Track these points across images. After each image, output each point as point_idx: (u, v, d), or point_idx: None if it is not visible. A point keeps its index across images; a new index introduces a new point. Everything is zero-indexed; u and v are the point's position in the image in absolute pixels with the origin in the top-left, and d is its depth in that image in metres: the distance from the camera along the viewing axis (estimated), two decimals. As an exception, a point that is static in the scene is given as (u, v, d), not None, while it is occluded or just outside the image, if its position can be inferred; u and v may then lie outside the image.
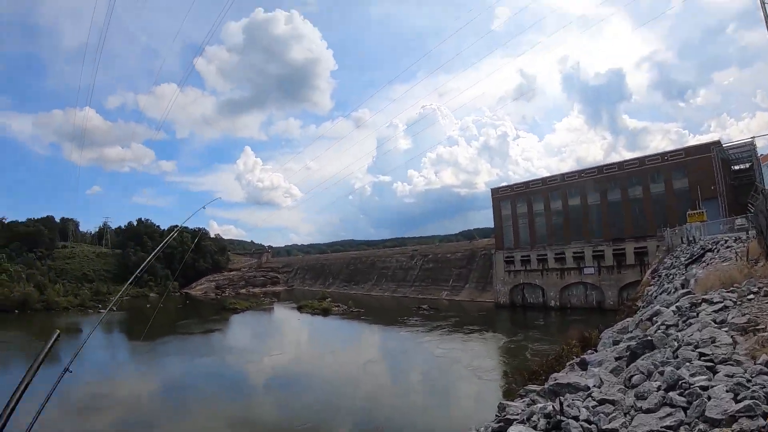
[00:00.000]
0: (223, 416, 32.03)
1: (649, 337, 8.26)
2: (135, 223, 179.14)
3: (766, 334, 6.85)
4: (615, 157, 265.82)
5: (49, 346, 3.66)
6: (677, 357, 6.69)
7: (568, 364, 13.13)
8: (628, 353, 8.17)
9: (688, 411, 5.25)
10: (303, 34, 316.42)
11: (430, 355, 49.42)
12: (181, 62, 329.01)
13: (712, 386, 5.43)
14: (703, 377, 5.77)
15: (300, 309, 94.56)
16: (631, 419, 5.62)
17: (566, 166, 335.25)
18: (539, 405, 6.84)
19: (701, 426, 4.89)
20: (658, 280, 29.72)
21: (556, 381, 8.13)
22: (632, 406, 5.91)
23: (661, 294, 20.20)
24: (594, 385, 7.14)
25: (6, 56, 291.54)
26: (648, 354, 7.54)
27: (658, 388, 5.89)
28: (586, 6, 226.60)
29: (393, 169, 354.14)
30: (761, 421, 4.60)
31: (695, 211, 53.75)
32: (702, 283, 13.01)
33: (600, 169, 78.99)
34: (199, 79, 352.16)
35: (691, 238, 38.36)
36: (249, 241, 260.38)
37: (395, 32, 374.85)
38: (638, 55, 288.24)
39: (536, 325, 63.91)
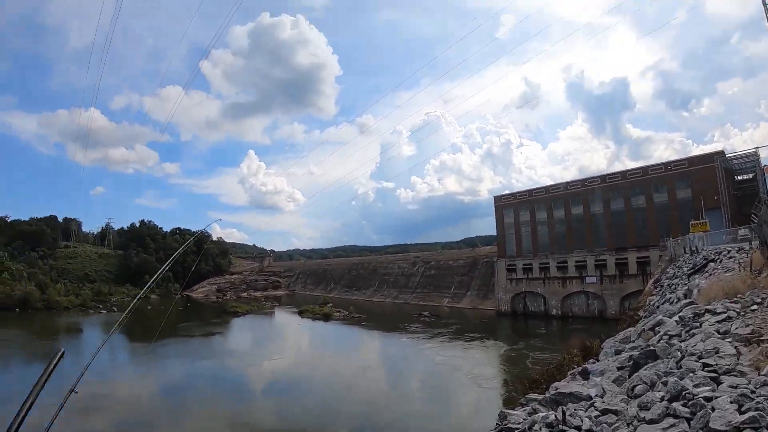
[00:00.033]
0: (223, 419, 31.97)
1: (651, 347, 8.21)
2: (138, 225, 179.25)
3: (770, 345, 6.80)
4: (618, 167, 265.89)
5: (53, 366, 3.60)
6: (681, 367, 6.64)
7: (569, 373, 13.07)
8: (630, 363, 8.12)
9: (691, 422, 5.21)
10: (309, 39, 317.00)
11: (431, 362, 49.30)
12: (187, 65, 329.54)
13: (716, 397, 5.39)
14: (707, 388, 5.72)
15: (301, 314, 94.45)
16: (635, 429, 5.58)
17: (569, 174, 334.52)
18: (541, 414, 6.79)
19: (705, 437, 4.85)
20: (660, 290, 29.64)
21: (558, 390, 8.09)
22: (635, 417, 5.86)
23: (663, 304, 20.13)
24: (596, 395, 7.10)
25: (12, 55, 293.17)
26: (651, 364, 7.49)
27: (662, 399, 5.85)
28: (591, 15, 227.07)
29: (396, 176, 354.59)
30: (766, 433, 4.56)
31: (698, 221, 53.60)
32: (705, 293, 12.94)
33: (603, 178, 78.92)
34: (204, 82, 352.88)
35: (693, 248, 38.25)
36: (251, 244, 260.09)
37: (401, 39, 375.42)
38: (643, 65, 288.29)
39: (537, 333, 63.70)
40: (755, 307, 9.45)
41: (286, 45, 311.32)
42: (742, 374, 6.04)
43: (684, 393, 5.67)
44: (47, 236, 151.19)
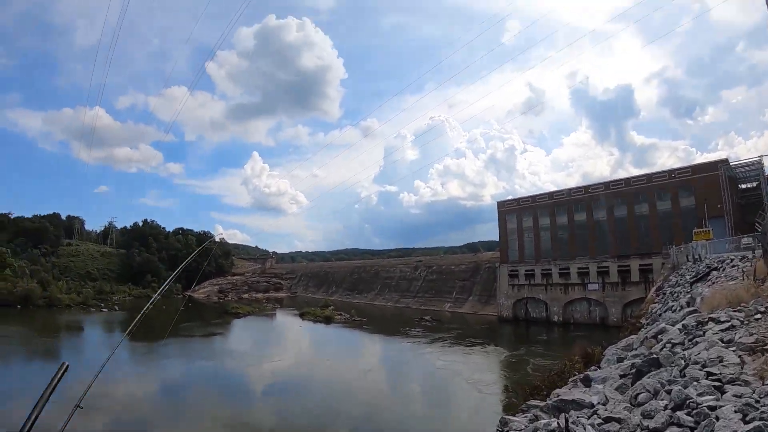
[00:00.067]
0: (223, 419, 31.96)
1: (654, 355, 8.15)
2: (140, 224, 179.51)
3: (774, 354, 6.75)
4: (622, 174, 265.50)
5: (57, 379, 3.55)
6: (684, 376, 6.59)
7: (570, 380, 12.99)
8: (633, 371, 8.06)
9: (695, 431, 5.15)
10: (314, 41, 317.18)
11: (431, 367, 49.25)
12: (192, 65, 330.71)
13: (721, 406, 5.35)
14: (711, 397, 5.67)
15: (302, 316, 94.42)
16: (638, 438, 5.53)
17: (573, 181, 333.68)
18: (543, 421, 6.74)
19: (709, 446, 4.81)
20: (662, 298, 29.55)
21: (560, 397, 8.02)
22: (639, 425, 5.81)
23: (665, 312, 20.06)
24: (599, 402, 7.03)
25: (19, 53, 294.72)
26: (654, 372, 7.43)
27: (665, 407, 5.80)
28: (596, 21, 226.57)
29: (400, 180, 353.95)
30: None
31: (701, 229, 53.40)
32: (708, 301, 12.88)
33: (607, 185, 78.94)
34: (209, 82, 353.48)
35: (696, 257, 38.14)
36: (253, 246, 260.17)
37: (406, 43, 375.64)
38: (647, 72, 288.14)
39: (539, 339, 63.63)
40: (759, 316, 9.39)
41: (292, 47, 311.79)
42: (747, 383, 5.99)
43: (688, 402, 5.62)
44: (50, 234, 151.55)
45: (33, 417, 3.26)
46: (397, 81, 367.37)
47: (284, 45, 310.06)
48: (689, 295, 18.70)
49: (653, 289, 45.24)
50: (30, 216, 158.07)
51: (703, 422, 5.15)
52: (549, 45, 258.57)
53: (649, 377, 7.21)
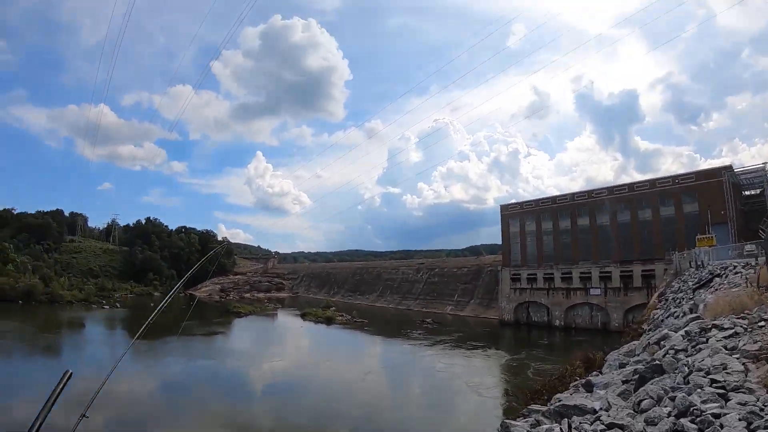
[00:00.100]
0: (223, 418, 31.94)
1: (657, 362, 8.11)
2: (143, 222, 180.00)
3: (779, 362, 6.70)
4: (625, 179, 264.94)
5: (61, 387, 3.51)
6: (688, 383, 6.55)
7: (572, 385, 12.97)
8: (636, 377, 8.01)
9: (699, 438, 5.11)
10: (320, 42, 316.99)
11: (432, 369, 49.18)
12: (197, 64, 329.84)
13: (725, 414, 5.30)
14: (715, 404, 5.63)
15: (303, 316, 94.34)
16: (641, 445, 5.49)
17: (576, 185, 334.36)
18: (545, 426, 6.71)
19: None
20: (665, 304, 29.50)
21: (562, 402, 7.99)
22: (642, 432, 5.77)
23: (668, 318, 20.02)
24: (601, 408, 6.99)
25: (25, 49, 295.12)
26: (657, 378, 7.38)
27: (669, 414, 5.76)
28: (602, 26, 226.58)
29: (403, 181, 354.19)
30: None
31: (705, 236, 53.25)
32: (711, 308, 12.82)
33: (610, 189, 78.82)
34: (214, 82, 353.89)
35: (699, 263, 38.07)
36: (256, 246, 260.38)
37: (411, 45, 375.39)
38: (652, 77, 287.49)
39: (540, 344, 63.47)
40: (763, 323, 9.33)
41: (297, 48, 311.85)
42: (751, 391, 5.94)
43: (692, 409, 5.58)
44: (53, 230, 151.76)
45: (37, 426, 3.22)
46: (402, 83, 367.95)
47: (290, 45, 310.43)
48: (692, 302, 18.64)
49: (655, 295, 45.11)
50: (33, 212, 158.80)
51: (707, 430, 5.11)
52: (554, 49, 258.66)
53: (652, 383, 7.16)
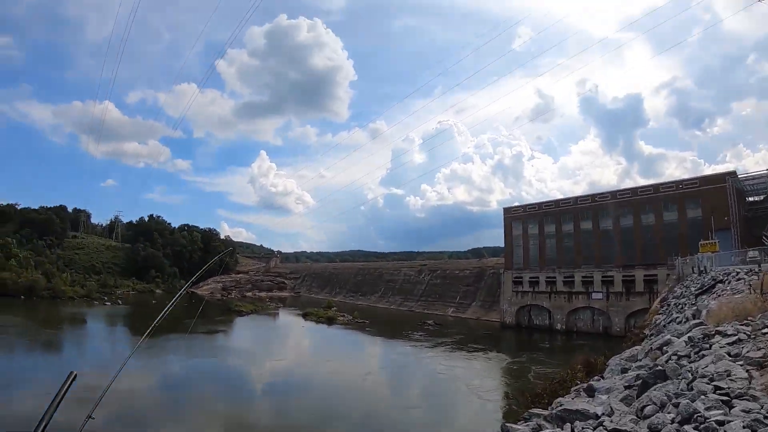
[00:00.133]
0: (222, 416, 32.02)
1: (661, 367, 8.07)
2: (146, 219, 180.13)
3: (783, 370, 6.67)
4: (629, 183, 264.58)
5: (65, 389, 3.49)
6: (692, 389, 6.50)
7: (573, 389, 12.93)
8: (639, 382, 7.97)
9: (703, 446, 5.09)
10: (325, 42, 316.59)
11: (432, 371, 49.18)
12: (202, 63, 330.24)
13: (729, 421, 5.27)
14: (719, 411, 5.59)
15: (305, 316, 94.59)
16: (645, 451, 5.46)
17: (580, 189, 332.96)
18: (546, 431, 6.67)
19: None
20: (667, 309, 29.40)
21: (563, 406, 7.94)
22: (645, 438, 5.74)
23: (670, 323, 19.95)
24: (604, 413, 6.95)
25: (30, 45, 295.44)
26: (660, 384, 7.34)
27: (672, 421, 5.72)
28: (607, 30, 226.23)
29: (406, 183, 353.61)
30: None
31: (707, 241, 53.04)
32: (715, 314, 12.76)
33: (614, 194, 78.74)
34: (219, 80, 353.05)
35: (702, 269, 37.97)
36: (258, 245, 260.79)
37: (416, 46, 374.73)
38: (657, 81, 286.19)
39: (541, 347, 63.45)
40: (766, 330, 9.28)
41: (302, 47, 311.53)
42: (755, 399, 5.90)
43: (696, 416, 5.55)
44: (56, 225, 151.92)
45: (41, 428, 3.20)
46: (407, 84, 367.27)
47: (295, 45, 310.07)
48: (695, 307, 18.56)
49: (657, 299, 44.99)
50: (36, 207, 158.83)
51: (711, 437, 5.08)
52: (559, 52, 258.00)
53: (655, 389, 7.12)
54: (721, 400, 5.91)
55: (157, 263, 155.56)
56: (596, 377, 13.92)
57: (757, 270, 23.67)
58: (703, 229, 61.27)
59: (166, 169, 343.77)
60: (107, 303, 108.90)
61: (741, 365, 7.19)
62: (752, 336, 9.10)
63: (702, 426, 5.32)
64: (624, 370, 11.49)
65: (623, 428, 6.05)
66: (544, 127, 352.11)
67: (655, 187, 73.30)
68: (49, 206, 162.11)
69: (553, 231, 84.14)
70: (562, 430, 6.30)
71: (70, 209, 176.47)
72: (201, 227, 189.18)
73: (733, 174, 65.74)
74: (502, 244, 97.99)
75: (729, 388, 6.28)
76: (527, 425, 8.24)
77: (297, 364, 53.11)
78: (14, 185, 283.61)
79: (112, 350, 54.90)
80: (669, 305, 30.65)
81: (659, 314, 29.92)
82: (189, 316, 62.53)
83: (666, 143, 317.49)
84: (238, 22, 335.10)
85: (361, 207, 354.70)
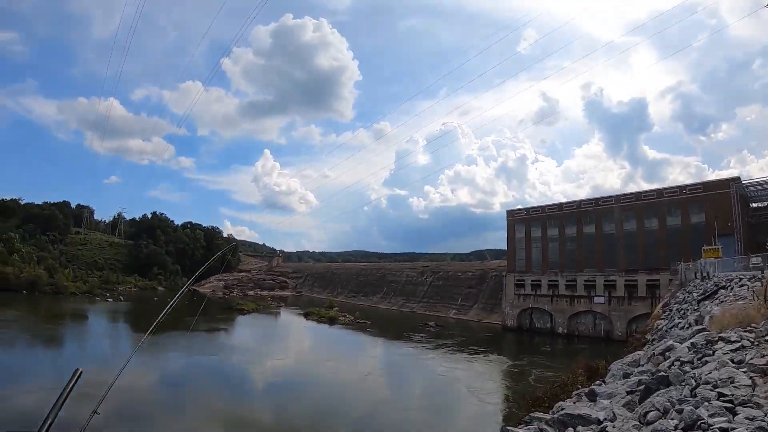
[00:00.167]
0: (222, 414, 32.01)
1: (663, 373, 8.03)
2: (149, 216, 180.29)
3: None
4: (632, 187, 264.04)
5: (71, 386, 3.48)
6: (695, 395, 6.46)
7: (574, 393, 12.90)
8: (641, 388, 7.93)
9: (707, 452, 5.05)
10: (330, 42, 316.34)
11: (433, 373, 49.14)
12: (208, 61, 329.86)
13: (733, 429, 5.24)
14: (723, 419, 5.56)
15: (306, 315, 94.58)
16: (648, 457, 5.43)
17: (583, 192, 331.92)
18: (548, 435, 6.63)
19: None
20: (669, 314, 29.36)
21: (565, 411, 7.91)
22: (648, 444, 5.71)
23: (672, 328, 19.92)
24: (606, 419, 6.92)
25: (36, 40, 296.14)
26: (663, 390, 7.30)
27: (676, 427, 5.69)
28: (613, 34, 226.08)
29: (410, 184, 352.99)
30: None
31: (711, 247, 52.93)
32: (718, 320, 12.73)
33: (617, 198, 78.63)
34: (224, 78, 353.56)
35: (705, 274, 37.91)
36: (261, 243, 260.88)
37: (422, 47, 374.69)
38: (662, 86, 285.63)
39: (542, 350, 63.30)
40: (770, 337, 9.25)
41: (308, 47, 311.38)
42: (759, 406, 5.86)
43: (699, 423, 5.51)
44: (59, 221, 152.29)
45: (47, 424, 3.19)
46: (412, 85, 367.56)
47: (300, 45, 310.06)
48: (697, 313, 18.54)
49: (660, 305, 44.93)
50: (40, 203, 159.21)
51: (715, 444, 5.05)
52: (564, 55, 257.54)
53: (658, 395, 7.08)
54: (725, 407, 5.87)
55: (159, 260, 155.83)
56: (598, 382, 13.87)
57: (760, 276, 23.64)
58: (706, 234, 61.12)
59: (169, 167, 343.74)
60: (109, 299, 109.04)
61: (745, 372, 7.15)
62: (756, 343, 9.06)
63: (705, 433, 5.30)
64: (626, 375, 11.46)
65: (626, 434, 6.02)
66: (549, 130, 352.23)
67: (659, 192, 73.27)
68: (52, 202, 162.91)
69: (556, 234, 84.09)
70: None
71: (73, 205, 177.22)
72: (204, 225, 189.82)
73: (737, 180, 65.58)
74: (504, 247, 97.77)
75: (733, 395, 6.24)
76: (528, 429, 8.21)
77: (298, 364, 53.09)
78: (18, 180, 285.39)
79: (113, 346, 54.91)
80: (671, 310, 30.63)
81: (661, 319, 29.87)
82: (191, 313, 62.83)
83: (670, 148, 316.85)
84: (244, 21, 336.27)
85: (364, 207, 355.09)
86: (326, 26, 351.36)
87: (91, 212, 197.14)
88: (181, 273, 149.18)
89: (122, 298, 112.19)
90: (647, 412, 6.53)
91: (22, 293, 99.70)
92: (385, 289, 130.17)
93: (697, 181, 78.62)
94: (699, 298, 25.53)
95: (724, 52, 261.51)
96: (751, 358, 7.79)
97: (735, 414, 5.73)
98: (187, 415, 32.13)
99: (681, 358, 9.50)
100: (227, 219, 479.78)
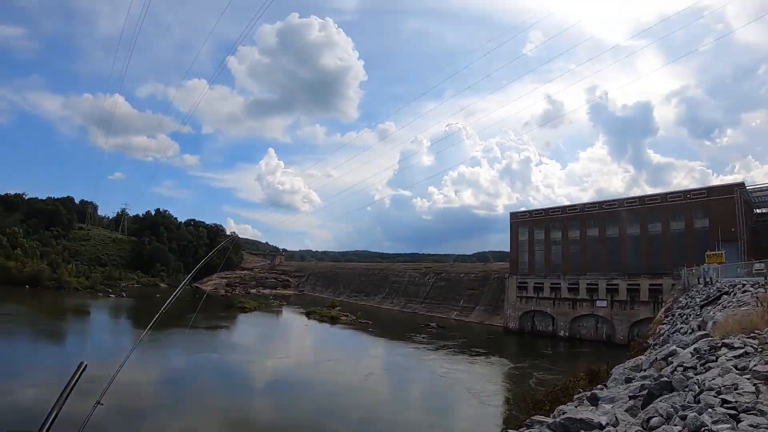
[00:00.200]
0: (223, 412, 32.04)
1: (667, 378, 7.98)
2: (153, 213, 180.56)
3: (791, 385, 6.58)
4: (636, 191, 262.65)
5: (76, 379, 3.48)
6: (699, 402, 6.43)
7: (576, 397, 12.85)
8: (644, 393, 7.89)
9: (711, 460, 5.02)
10: (336, 42, 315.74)
11: (434, 374, 49.16)
12: (213, 59, 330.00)
13: (736, 436, 5.20)
14: (727, 426, 5.51)
15: (308, 315, 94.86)
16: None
17: (587, 196, 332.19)
18: (550, 438, 6.59)
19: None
20: (671, 319, 29.30)
21: (567, 415, 7.86)
22: (651, 450, 5.67)
23: (674, 333, 19.87)
24: (608, 423, 6.87)
25: (42, 36, 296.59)
26: (667, 396, 7.26)
27: (679, 433, 5.65)
28: (619, 37, 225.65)
29: (414, 185, 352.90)
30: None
31: (714, 252, 52.83)
32: (721, 326, 12.66)
33: (621, 202, 78.63)
34: (229, 77, 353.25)
35: (708, 279, 37.82)
36: (264, 242, 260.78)
37: (427, 48, 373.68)
38: (667, 90, 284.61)
39: (544, 353, 63.26)
40: (774, 344, 9.20)
41: (313, 47, 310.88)
42: (763, 413, 5.80)
43: (703, 429, 5.46)
44: (63, 216, 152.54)
45: (52, 416, 3.19)
46: (417, 86, 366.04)
47: (306, 44, 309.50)
48: (700, 318, 18.46)
49: (662, 309, 44.91)
50: (44, 198, 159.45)
51: (718, 451, 5.02)
52: (570, 58, 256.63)
53: (661, 401, 7.04)
54: (729, 414, 5.83)
55: (162, 257, 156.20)
56: (599, 386, 13.83)
57: (763, 282, 23.54)
58: (709, 239, 61.08)
59: (173, 164, 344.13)
60: (111, 295, 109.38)
61: (748, 379, 7.09)
62: (759, 350, 9.00)
63: (709, 440, 5.27)
64: (628, 380, 11.41)
65: (629, 439, 5.99)
66: (553, 133, 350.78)
67: (663, 197, 73.18)
68: (56, 197, 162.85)
69: (559, 237, 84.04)
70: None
71: (77, 201, 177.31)
72: (207, 223, 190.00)
73: (741, 185, 65.50)
74: (507, 249, 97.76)
75: (737, 402, 6.19)
76: (529, 432, 8.18)
77: (299, 363, 53.10)
78: (22, 175, 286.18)
79: (114, 341, 55.01)
80: (674, 315, 30.57)
81: (663, 324, 29.81)
82: (193, 310, 63.00)
83: (675, 152, 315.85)
84: (250, 19, 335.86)
85: (367, 207, 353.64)
86: (332, 26, 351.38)
87: (95, 208, 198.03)
88: (184, 270, 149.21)
89: (124, 295, 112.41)
90: (650, 418, 6.49)
91: (25, 288, 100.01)
92: (388, 290, 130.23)
93: (702, 186, 78.40)
94: (702, 303, 25.43)
95: (730, 56, 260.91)
96: (755, 365, 7.73)
97: (739, 421, 5.69)
98: (187, 412, 32.19)
99: (684, 364, 9.44)
100: (230, 217, 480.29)
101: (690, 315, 24.08)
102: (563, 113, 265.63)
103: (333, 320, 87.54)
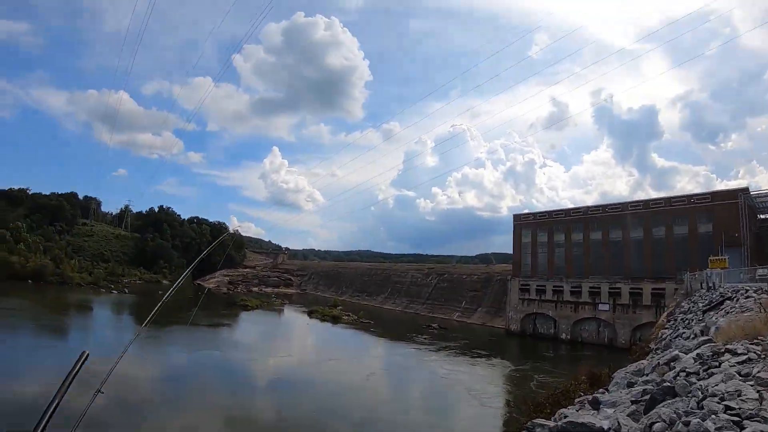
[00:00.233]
0: (223, 410, 32.05)
1: (669, 384, 7.95)
2: (156, 210, 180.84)
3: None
4: (640, 195, 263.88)
5: (77, 368, 3.48)
6: (702, 408, 6.39)
7: (577, 400, 12.79)
8: (647, 398, 7.86)
9: (714, 466, 4.99)
10: (341, 41, 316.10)
11: (435, 375, 49.14)
12: (219, 57, 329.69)
13: (740, 442, 5.17)
14: (730, 432, 5.50)
15: (310, 314, 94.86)
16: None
17: (591, 199, 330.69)
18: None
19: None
20: (673, 324, 29.21)
21: (568, 419, 7.83)
22: (654, 456, 5.64)
23: (676, 338, 19.78)
24: (610, 428, 6.85)
25: (48, 32, 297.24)
26: (669, 401, 7.23)
27: (682, 439, 5.62)
28: (624, 40, 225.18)
29: (418, 185, 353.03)
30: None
31: (717, 257, 52.67)
32: (724, 332, 12.61)
33: (625, 205, 78.41)
34: (234, 75, 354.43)
35: (711, 284, 37.71)
36: (267, 240, 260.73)
37: (433, 49, 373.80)
38: (673, 94, 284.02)
39: (545, 356, 63.15)
40: (778, 351, 9.16)
41: (319, 46, 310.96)
42: (766, 420, 5.79)
43: (706, 436, 5.46)
44: (66, 212, 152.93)
45: (54, 404, 3.20)
46: (422, 86, 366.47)
47: (311, 43, 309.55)
48: (702, 323, 18.40)
49: (665, 314, 44.72)
50: (48, 193, 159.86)
51: (721, 458, 4.99)
52: (575, 61, 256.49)
53: (664, 406, 7.01)
54: (732, 421, 5.80)
55: (165, 254, 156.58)
56: (601, 390, 13.78)
57: (766, 288, 23.49)
58: (713, 244, 60.85)
59: (178, 162, 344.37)
60: (113, 291, 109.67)
61: (752, 385, 7.06)
62: (763, 356, 8.96)
63: (712, 446, 5.24)
64: (630, 384, 11.37)
65: (631, 445, 5.96)
66: (558, 136, 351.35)
67: (667, 201, 72.98)
68: (60, 192, 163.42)
69: (563, 240, 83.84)
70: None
71: (81, 196, 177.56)
72: (210, 220, 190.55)
73: (745, 190, 65.24)
74: (510, 251, 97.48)
75: (740, 408, 6.16)
76: (531, 435, 8.14)
77: (300, 362, 53.13)
78: (26, 170, 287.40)
79: (116, 336, 55.05)
80: (676, 320, 30.47)
81: (666, 328, 29.73)
82: (195, 307, 62.94)
83: (679, 156, 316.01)
84: (255, 18, 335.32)
85: (371, 207, 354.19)
86: (337, 25, 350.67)
87: (99, 204, 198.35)
88: (187, 267, 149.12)
89: (127, 291, 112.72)
90: (653, 423, 6.46)
91: (28, 283, 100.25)
92: (390, 290, 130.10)
93: (706, 190, 78.58)
94: (704, 308, 25.37)
95: (736, 61, 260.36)
96: (759, 372, 7.70)
97: (742, 428, 5.66)
98: (188, 409, 32.24)
99: (687, 369, 9.41)
100: (234, 215, 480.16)
101: (693, 320, 24.01)
102: (568, 116, 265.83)
103: (335, 320, 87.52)
